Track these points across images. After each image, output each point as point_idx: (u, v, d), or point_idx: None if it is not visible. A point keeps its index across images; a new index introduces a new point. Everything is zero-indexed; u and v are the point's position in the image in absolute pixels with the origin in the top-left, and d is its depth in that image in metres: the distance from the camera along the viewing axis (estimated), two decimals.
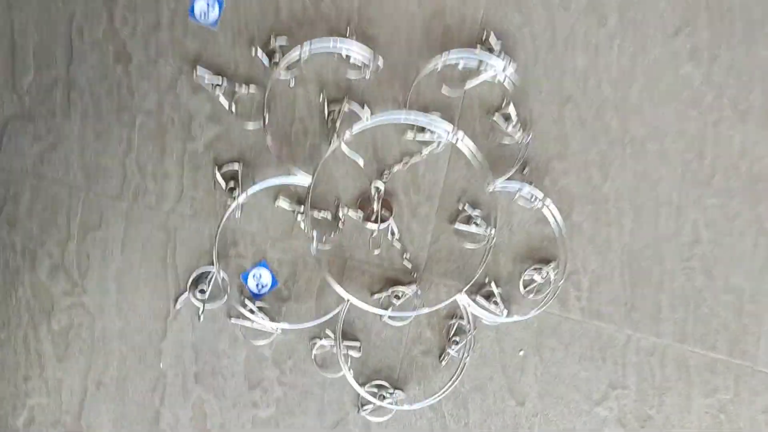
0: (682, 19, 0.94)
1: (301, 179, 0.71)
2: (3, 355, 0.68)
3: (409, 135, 0.75)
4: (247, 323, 0.71)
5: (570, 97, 0.80)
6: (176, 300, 0.71)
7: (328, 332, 0.72)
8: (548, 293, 0.79)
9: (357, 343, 0.75)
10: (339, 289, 0.69)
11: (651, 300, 0.85)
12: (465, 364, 0.76)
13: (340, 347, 0.71)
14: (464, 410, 0.76)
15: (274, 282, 0.73)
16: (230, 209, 0.69)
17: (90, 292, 0.70)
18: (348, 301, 0.70)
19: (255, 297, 0.72)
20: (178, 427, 0.70)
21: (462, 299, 0.73)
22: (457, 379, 0.74)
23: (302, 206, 0.71)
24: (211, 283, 0.70)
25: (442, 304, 0.72)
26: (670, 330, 0.85)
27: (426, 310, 0.72)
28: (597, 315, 0.82)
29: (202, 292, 0.70)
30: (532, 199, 0.80)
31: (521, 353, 0.79)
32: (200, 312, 0.70)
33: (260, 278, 0.72)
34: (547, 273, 0.79)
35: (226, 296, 0.69)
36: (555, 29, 0.79)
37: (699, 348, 0.86)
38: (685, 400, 0.84)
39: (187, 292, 0.71)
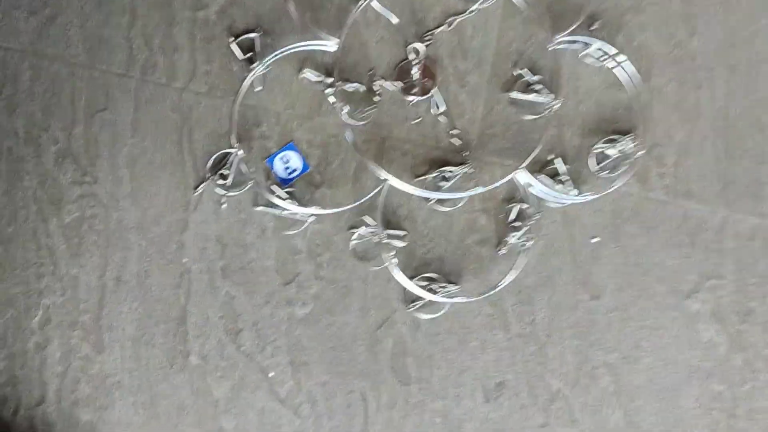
0: None
1: (328, 45, 0.62)
2: (12, 252, 0.63)
3: None
4: (276, 212, 0.64)
5: None
6: (196, 188, 0.64)
7: (367, 219, 0.63)
8: (625, 168, 0.67)
9: (401, 232, 0.66)
10: (376, 169, 0.66)
11: (750, 175, 0.73)
12: (527, 252, 0.72)
13: (381, 234, 0.67)
14: (529, 306, 0.67)
15: (305, 166, 0.65)
16: (248, 80, 0.61)
17: (101, 180, 0.64)
18: (386, 180, 0.61)
19: (283, 183, 0.64)
20: (208, 326, 0.64)
21: (522, 178, 0.63)
22: (518, 269, 0.64)
23: (330, 78, 0.62)
24: (234, 167, 0.63)
25: (499, 183, 0.63)
26: None
27: (480, 190, 0.65)
28: (685, 194, 0.71)
29: (224, 177, 0.63)
30: (602, 58, 0.69)
31: (595, 240, 0.69)
32: (222, 200, 0.63)
33: (288, 162, 0.65)
34: (623, 145, 0.68)
35: (250, 182, 0.62)
36: None
37: None
38: None
39: (207, 179, 0.63)
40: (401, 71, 0.67)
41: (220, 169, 0.68)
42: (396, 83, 0.65)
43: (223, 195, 0.69)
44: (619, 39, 0.77)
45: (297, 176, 0.71)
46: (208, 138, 0.70)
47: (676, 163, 0.75)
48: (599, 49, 0.74)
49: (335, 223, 0.71)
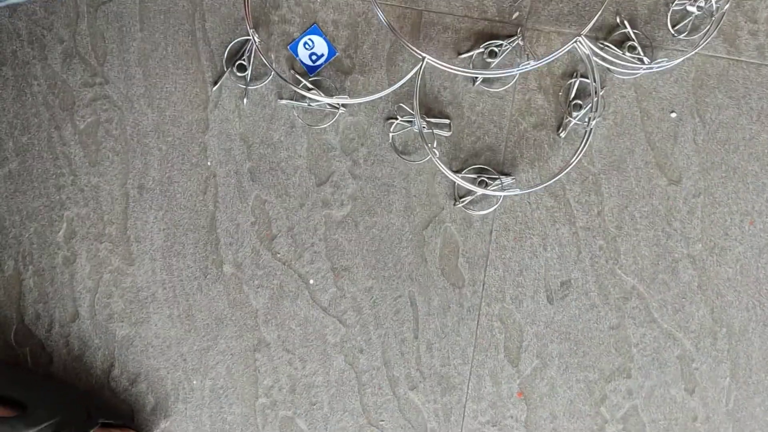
0: None
1: None
2: (29, 163, 0.61)
3: None
4: (303, 105, 0.58)
5: None
6: (215, 83, 0.58)
7: (403, 106, 0.56)
8: (710, 26, 0.58)
9: (445, 121, 0.60)
10: (412, 48, 0.61)
11: None
12: (592, 132, 0.66)
13: (420, 123, 0.56)
14: (596, 195, 0.60)
15: (331, 50, 0.59)
16: None
17: (113, 80, 0.60)
18: (424, 59, 0.53)
19: (310, 71, 0.58)
20: (240, 233, 0.60)
21: (583, 47, 0.54)
22: (582, 152, 0.57)
23: None
24: (252, 56, 0.57)
25: (553, 56, 0.56)
26: None
27: (532, 66, 0.56)
28: None
29: (242, 68, 0.57)
30: None
31: (673, 115, 0.61)
32: (244, 95, 0.58)
33: (313, 47, 0.58)
34: None
35: (272, 72, 0.56)
36: None
37: None
38: None
39: (224, 73, 0.57)
40: None
41: (237, 60, 0.62)
42: None
43: (244, 89, 0.63)
44: None
45: (324, 63, 0.65)
46: (223, 25, 0.64)
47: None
48: None
49: (370, 114, 0.65)
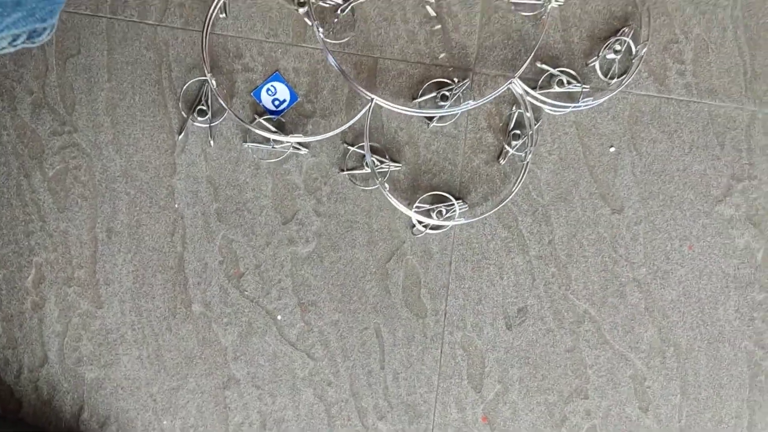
0: None
1: None
2: None
3: None
4: (265, 147, 0.63)
5: None
6: (180, 129, 0.63)
7: (352, 148, 0.63)
8: (636, 69, 0.66)
9: (395, 164, 0.66)
10: (360, 90, 0.68)
11: None
12: (528, 165, 0.74)
13: (370, 159, 0.72)
14: (546, 225, 0.66)
15: (293, 95, 0.64)
16: (217, 3, 0.60)
17: (81, 129, 0.64)
18: (372, 100, 0.60)
19: (273, 116, 0.63)
20: (208, 273, 0.64)
21: (517, 87, 0.62)
22: (519, 181, 0.64)
23: None
24: (210, 100, 0.62)
25: (489, 97, 0.64)
26: None
27: (471, 105, 0.63)
28: (708, 91, 0.69)
29: (203, 112, 0.62)
30: None
31: (612, 149, 0.68)
32: (210, 137, 0.62)
33: (275, 93, 0.63)
34: (626, 41, 0.66)
35: (232, 114, 0.61)
36: None
37: None
38: None
39: (188, 118, 0.62)
40: None
41: (197, 105, 0.67)
42: None
43: (209, 132, 0.68)
44: None
45: (286, 107, 0.70)
46: (189, 74, 0.69)
47: (695, 59, 0.73)
48: None
49: (332, 155, 0.70)
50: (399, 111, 0.69)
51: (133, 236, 0.71)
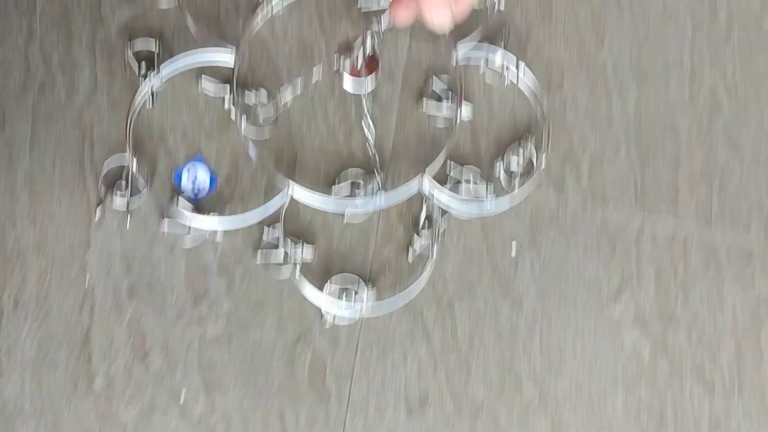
0: None
1: (226, 55, 0.66)
2: None
3: None
4: (181, 229, 0.66)
5: None
6: (98, 205, 0.66)
7: (266, 237, 0.67)
8: (536, 177, 0.73)
9: (310, 246, 0.69)
10: (279, 179, 0.73)
11: (666, 179, 0.79)
12: (433, 258, 0.78)
13: (282, 247, 0.74)
14: (450, 317, 0.71)
15: (213, 180, 0.68)
16: (142, 91, 0.63)
17: None
18: (290, 185, 0.65)
19: (192, 198, 0.67)
20: (114, 348, 0.65)
21: (426, 185, 0.68)
22: (423, 274, 0.70)
23: (229, 87, 0.67)
24: (130, 180, 0.65)
25: (397, 201, 0.67)
26: (692, 213, 0.78)
27: (381, 200, 0.67)
28: (602, 200, 0.76)
29: (122, 191, 0.65)
30: (504, 69, 0.74)
31: (514, 248, 0.72)
32: (127, 216, 0.65)
33: (195, 177, 0.67)
34: (527, 151, 0.73)
35: (144, 195, 0.64)
36: None
37: (729, 233, 0.79)
38: (714, 294, 0.77)
39: (106, 195, 0.65)
40: (344, 45, 0.66)
41: (117, 183, 0.70)
42: (341, 61, 0.65)
43: (126, 210, 0.71)
44: (529, 50, 0.82)
45: (206, 191, 0.73)
46: (111, 153, 0.72)
47: (590, 170, 0.80)
48: (502, 60, 0.79)
49: (247, 237, 0.74)
50: (314, 203, 0.73)
51: (41, 307, 0.72)
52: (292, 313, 0.76)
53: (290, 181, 0.72)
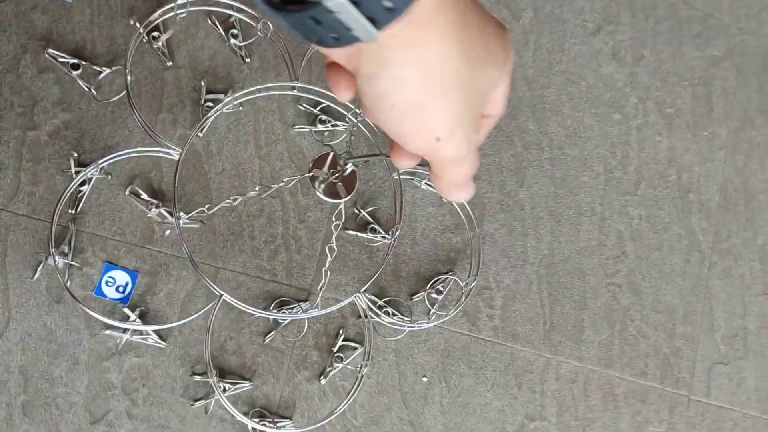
0: (604, 15, 0.95)
1: (171, 153, 0.68)
2: None
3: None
4: (120, 333, 0.66)
5: None
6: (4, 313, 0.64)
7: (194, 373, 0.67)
8: (453, 307, 0.76)
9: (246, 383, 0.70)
10: (211, 285, 0.71)
11: (572, 320, 0.83)
12: (356, 388, 0.79)
13: (212, 375, 0.69)
14: None
15: (133, 275, 0.67)
16: (66, 191, 0.64)
17: None
18: (221, 296, 0.65)
19: (124, 302, 0.66)
20: None
21: (361, 301, 0.70)
22: (349, 399, 0.72)
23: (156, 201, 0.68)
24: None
25: (329, 310, 0.70)
26: (595, 353, 0.83)
27: (309, 313, 0.70)
28: (512, 336, 0.79)
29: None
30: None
31: (425, 379, 0.75)
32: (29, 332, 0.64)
33: (115, 282, 0.66)
34: (449, 284, 0.76)
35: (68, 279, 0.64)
36: None
37: (627, 374, 0.84)
38: None
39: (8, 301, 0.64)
40: (319, 162, 0.61)
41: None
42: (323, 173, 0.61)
43: (28, 320, 0.69)
44: None
45: (132, 289, 0.72)
46: (25, 262, 0.70)
47: (503, 306, 0.84)
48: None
49: (156, 357, 0.72)
50: (246, 310, 0.71)
51: None
52: None
53: (222, 293, 0.71)
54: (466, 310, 0.85)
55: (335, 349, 0.80)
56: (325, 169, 0.60)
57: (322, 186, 0.60)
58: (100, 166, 0.73)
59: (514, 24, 0.94)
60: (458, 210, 0.86)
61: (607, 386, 0.89)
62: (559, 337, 0.88)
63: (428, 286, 0.83)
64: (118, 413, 0.73)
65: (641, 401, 0.90)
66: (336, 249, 0.73)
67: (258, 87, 0.76)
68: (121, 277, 0.75)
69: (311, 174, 0.60)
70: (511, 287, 0.87)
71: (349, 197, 0.60)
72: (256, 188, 0.70)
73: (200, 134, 0.79)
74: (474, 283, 0.81)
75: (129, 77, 0.74)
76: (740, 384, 0.95)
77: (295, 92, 0.81)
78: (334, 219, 0.74)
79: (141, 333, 0.73)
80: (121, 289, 0.75)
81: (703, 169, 0.98)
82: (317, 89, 0.79)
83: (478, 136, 0.41)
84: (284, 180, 0.70)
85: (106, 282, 0.75)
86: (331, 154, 0.60)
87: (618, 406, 0.89)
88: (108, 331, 0.73)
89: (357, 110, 0.76)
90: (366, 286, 0.76)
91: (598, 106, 0.95)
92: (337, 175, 0.60)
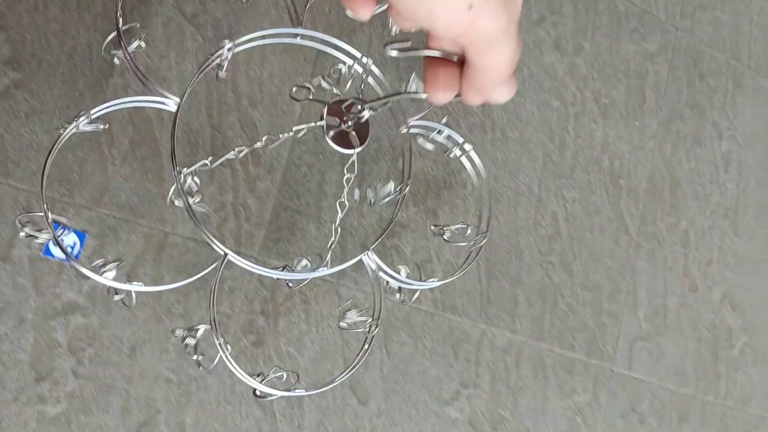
0: (548, 6, 1.00)
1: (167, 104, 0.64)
2: None
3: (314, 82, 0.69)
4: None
5: None
6: None
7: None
8: (465, 263, 0.77)
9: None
10: (215, 243, 0.66)
11: (507, 294, 0.88)
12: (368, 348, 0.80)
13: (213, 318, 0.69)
14: (299, 409, 0.75)
15: (80, 235, 0.69)
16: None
17: None
18: (224, 256, 0.67)
19: (76, 258, 0.68)
20: None
21: (369, 260, 0.68)
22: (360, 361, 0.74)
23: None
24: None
25: (342, 267, 0.71)
26: (527, 327, 0.88)
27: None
28: (450, 308, 0.84)
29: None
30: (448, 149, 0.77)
31: (367, 347, 0.78)
32: None
33: (63, 242, 0.68)
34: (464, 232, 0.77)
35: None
36: None
37: (556, 347, 0.90)
38: (540, 401, 0.86)
39: None
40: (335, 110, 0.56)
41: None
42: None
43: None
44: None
45: (81, 248, 0.74)
46: None
47: (444, 279, 0.88)
48: (448, 137, 0.81)
49: (103, 317, 0.74)
50: (255, 270, 0.68)
51: None
52: (139, 399, 0.77)
53: (227, 251, 0.68)
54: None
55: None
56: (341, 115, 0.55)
57: (332, 134, 0.56)
58: (92, 117, 0.68)
59: None
60: (468, 167, 0.83)
61: (538, 357, 0.95)
62: (494, 311, 0.94)
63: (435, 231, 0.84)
64: (64, 372, 0.74)
65: (568, 372, 0.97)
66: (347, 204, 0.68)
67: (260, 33, 0.70)
68: (69, 237, 0.76)
69: (323, 122, 0.55)
70: (451, 261, 0.92)
71: (362, 147, 0.56)
72: (263, 139, 0.66)
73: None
74: (485, 241, 0.80)
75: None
76: (660, 359, 1.03)
77: (299, 39, 0.74)
78: (346, 172, 0.68)
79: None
80: (69, 249, 0.76)
81: (633, 157, 1.05)
82: (322, 36, 0.74)
83: (516, 5, 0.35)
84: (294, 129, 0.64)
85: (54, 242, 0.76)
86: (350, 100, 0.55)
87: (546, 377, 0.95)
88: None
89: (367, 58, 0.73)
90: (374, 244, 0.74)
91: (539, 93, 1.01)
92: (350, 123, 0.55)
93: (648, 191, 1.05)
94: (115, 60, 0.75)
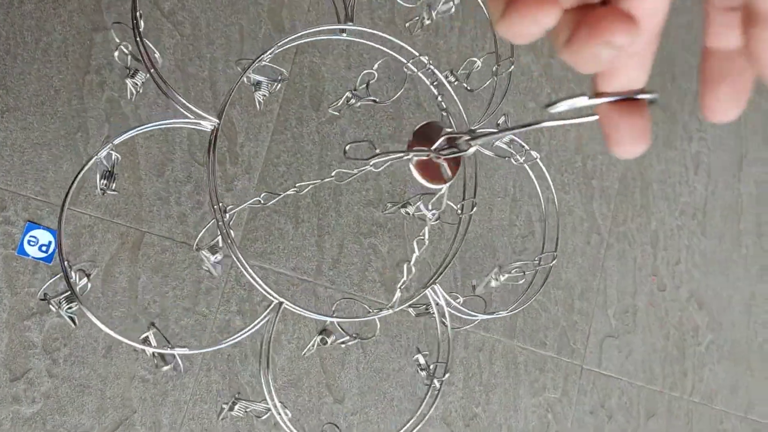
0: None
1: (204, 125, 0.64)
2: None
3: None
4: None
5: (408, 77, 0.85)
6: None
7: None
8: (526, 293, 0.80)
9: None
10: (268, 292, 0.67)
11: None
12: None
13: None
14: None
15: (53, 231, 0.69)
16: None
17: None
18: (280, 305, 0.68)
19: (48, 260, 0.68)
20: None
21: (434, 294, 0.73)
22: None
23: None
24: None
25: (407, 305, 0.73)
26: (500, 325, 0.91)
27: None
28: (425, 306, 0.85)
29: None
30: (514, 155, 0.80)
31: (343, 345, 0.80)
32: None
33: (38, 240, 0.68)
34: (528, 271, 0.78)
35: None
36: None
37: (528, 344, 0.93)
38: (512, 398, 0.89)
39: None
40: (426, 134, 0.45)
41: None
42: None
43: None
44: None
45: (55, 248, 0.74)
46: None
47: (419, 278, 0.90)
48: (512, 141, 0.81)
49: (79, 318, 0.75)
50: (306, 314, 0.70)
51: None
52: (114, 399, 0.78)
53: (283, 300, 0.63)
54: (383, 281, 0.91)
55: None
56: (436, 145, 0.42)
57: (415, 162, 0.44)
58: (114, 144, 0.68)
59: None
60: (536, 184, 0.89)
61: (510, 355, 0.98)
62: (464, 308, 0.96)
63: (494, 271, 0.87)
64: (39, 371, 0.75)
65: (540, 369, 1.00)
66: (426, 242, 0.56)
67: (302, 33, 0.62)
68: (44, 236, 0.77)
69: (411, 154, 0.43)
70: (426, 261, 0.94)
71: (453, 180, 0.44)
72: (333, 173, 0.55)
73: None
74: (554, 261, 0.79)
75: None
76: (628, 356, 1.07)
77: (344, 36, 0.67)
78: (430, 207, 0.54)
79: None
80: (44, 248, 0.76)
81: (605, 158, 1.08)
82: (372, 31, 0.68)
83: None
84: (372, 163, 0.46)
85: (29, 241, 0.76)
86: (456, 133, 0.43)
87: (519, 374, 0.98)
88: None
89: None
90: (438, 276, 0.70)
91: (515, 94, 1.03)
92: (447, 154, 0.43)
93: (619, 192, 1.08)
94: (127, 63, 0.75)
